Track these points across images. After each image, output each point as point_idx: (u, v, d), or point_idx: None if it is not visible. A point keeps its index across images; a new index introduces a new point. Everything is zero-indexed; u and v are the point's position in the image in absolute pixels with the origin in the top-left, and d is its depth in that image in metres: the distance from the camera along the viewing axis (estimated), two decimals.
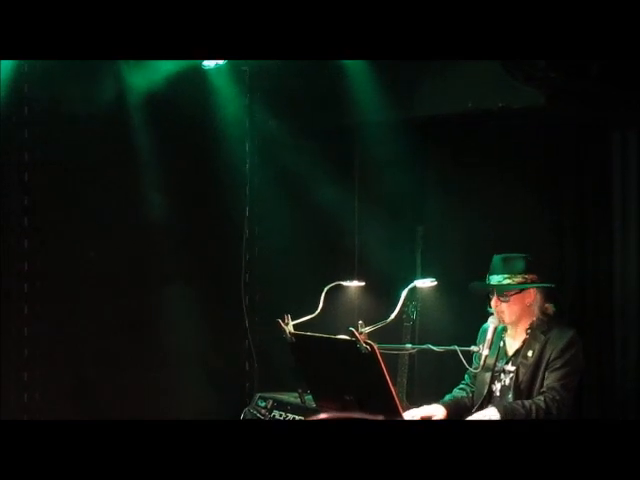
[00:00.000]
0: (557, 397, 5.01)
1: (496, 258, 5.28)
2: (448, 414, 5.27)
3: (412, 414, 5.17)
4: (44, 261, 6.17)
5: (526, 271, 5.21)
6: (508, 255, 5.27)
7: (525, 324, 5.26)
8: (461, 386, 5.52)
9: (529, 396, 5.12)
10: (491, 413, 4.96)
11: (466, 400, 5.44)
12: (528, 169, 6.46)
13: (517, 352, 5.26)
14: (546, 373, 5.11)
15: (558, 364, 5.09)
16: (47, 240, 6.18)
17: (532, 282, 5.22)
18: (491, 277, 5.25)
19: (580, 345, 5.17)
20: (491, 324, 5.26)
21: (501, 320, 5.26)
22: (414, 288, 5.55)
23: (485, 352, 5.18)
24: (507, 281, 5.20)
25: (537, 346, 5.17)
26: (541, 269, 5.33)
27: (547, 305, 5.29)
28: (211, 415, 6.39)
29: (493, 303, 5.24)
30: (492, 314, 5.30)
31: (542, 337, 5.18)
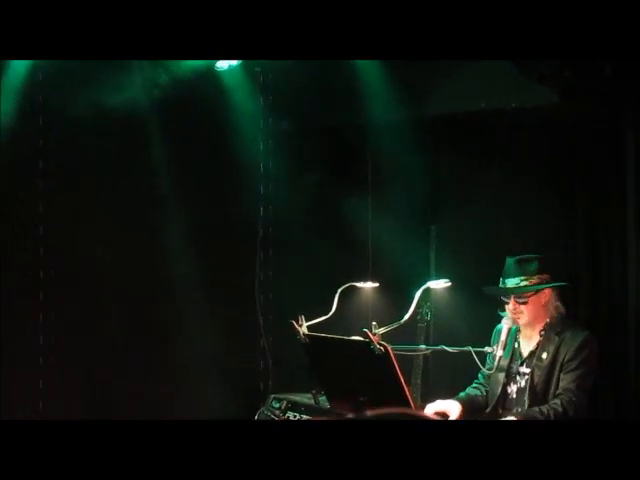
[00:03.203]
0: (573, 398, 5.00)
1: (509, 260, 5.26)
2: (463, 410, 5.26)
3: (428, 408, 5.17)
4: (58, 266, 6.18)
5: (540, 271, 5.20)
6: (521, 256, 5.26)
7: (539, 325, 5.25)
8: (475, 385, 5.51)
9: (545, 398, 5.11)
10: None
11: (480, 398, 5.44)
12: (541, 168, 6.43)
13: (532, 354, 5.24)
14: (561, 375, 5.09)
15: (573, 365, 5.07)
16: (61, 244, 6.18)
17: (547, 282, 5.21)
18: (506, 280, 5.24)
19: (594, 345, 5.15)
20: (505, 325, 5.25)
21: (517, 322, 5.24)
22: (428, 289, 5.53)
23: (499, 353, 5.17)
24: (524, 283, 5.18)
25: (551, 348, 5.16)
26: (553, 268, 5.32)
27: (557, 304, 5.28)
28: (226, 415, 6.39)
29: (510, 306, 5.22)
30: (505, 316, 5.30)
31: (556, 338, 5.17)
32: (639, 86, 5.55)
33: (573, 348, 5.10)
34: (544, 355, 5.17)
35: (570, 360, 5.08)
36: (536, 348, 5.23)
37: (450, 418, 5.20)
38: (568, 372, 5.08)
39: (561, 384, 5.08)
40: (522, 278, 5.19)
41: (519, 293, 5.19)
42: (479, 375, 5.48)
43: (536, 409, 5.01)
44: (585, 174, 6.33)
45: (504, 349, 5.22)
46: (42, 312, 6.14)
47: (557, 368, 5.11)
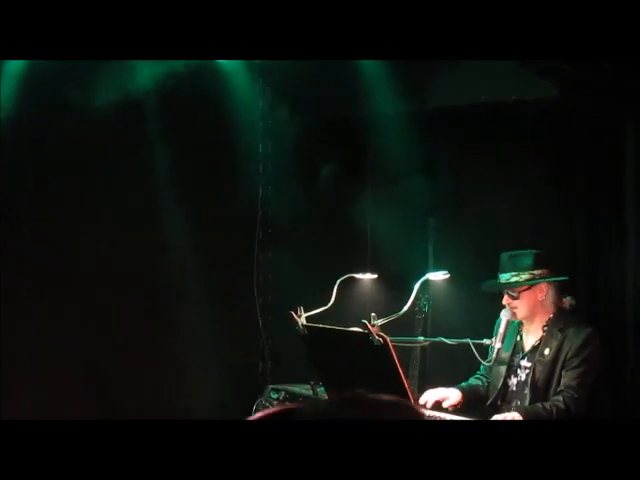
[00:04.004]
0: (575, 395, 5.01)
1: (503, 256, 5.27)
2: (464, 398, 5.27)
3: (429, 394, 5.19)
4: (56, 260, 6.18)
5: (534, 266, 5.18)
6: (515, 252, 5.26)
7: (542, 320, 5.24)
8: (477, 376, 5.52)
9: (546, 394, 5.11)
10: (514, 416, 4.92)
11: (481, 389, 5.44)
12: (541, 162, 6.44)
13: (534, 349, 5.24)
14: (563, 372, 5.10)
15: (575, 363, 5.07)
16: (58, 238, 6.17)
17: (542, 277, 5.19)
18: (500, 275, 5.25)
19: (597, 343, 5.15)
20: (503, 317, 5.25)
21: (514, 316, 5.25)
22: (427, 281, 5.54)
23: (498, 345, 5.17)
24: (514, 279, 5.18)
25: (554, 344, 5.15)
26: (553, 263, 5.31)
27: (564, 299, 5.27)
28: (224, 406, 6.40)
29: (505, 301, 5.24)
30: (505, 309, 5.31)
31: (559, 334, 5.16)
32: (638, 80, 5.55)
33: (576, 345, 5.09)
34: (546, 351, 5.17)
35: (572, 357, 5.08)
36: (538, 343, 5.23)
37: (446, 402, 5.22)
38: (570, 369, 5.08)
39: (563, 381, 5.08)
40: (513, 274, 5.20)
41: (509, 289, 5.20)
42: (480, 367, 5.49)
43: (539, 405, 5.01)
44: (584, 167, 6.34)
45: (503, 341, 5.22)
46: (41, 310, 6.13)
47: (559, 365, 5.11)
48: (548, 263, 5.25)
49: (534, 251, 5.26)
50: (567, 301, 5.27)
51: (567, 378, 5.07)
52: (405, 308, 5.18)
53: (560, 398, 5.00)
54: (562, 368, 5.10)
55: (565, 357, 5.10)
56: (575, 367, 5.07)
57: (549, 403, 5.01)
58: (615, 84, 5.57)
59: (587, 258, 6.32)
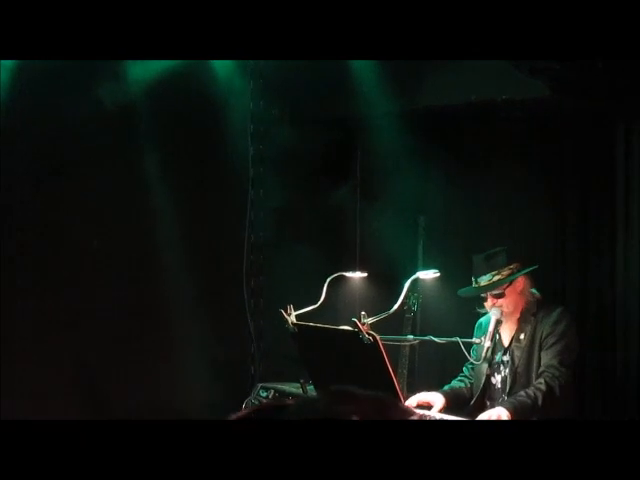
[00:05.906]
0: (556, 374, 5.00)
1: (477, 258, 5.27)
2: (447, 403, 5.26)
3: (412, 401, 5.17)
4: (45, 253, 6.17)
5: (509, 262, 5.22)
6: (488, 252, 5.27)
7: (517, 313, 5.27)
8: (459, 377, 5.52)
9: (528, 378, 5.12)
10: (499, 412, 4.87)
11: (464, 390, 5.44)
12: (531, 161, 6.46)
13: (511, 341, 5.27)
14: (542, 353, 5.12)
15: (552, 340, 5.09)
16: (55, 238, 6.16)
17: (518, 270, 5.23)
18: (478, 279, 5.24)
19: (570, 319, 5.19)
20: (493, 316, 5.24)
21: (503, 314, 5.25)
22: (417, 279, 5.54)
23: (487, 344, 5.18)
24: (497, 277, 5.20)
25: (528, 328, 5.19)
26: (522, 255, 5.37)
27: (532, 290, 5.30)
28: (214, 404, 6.39)
29: (489, 302, 5.24)
30: (483, 314, 5.32)
31: (532, 319, 5.20)
32: (630, 79, 5.56)
33: (549, 324, 5.12)
34: (522, 336, 5.20)
35: (548, 335, 5.10)
36: (515, 333, 5.26)
37: (433, 409, 5.21)
38: (548, 348, 5.09)
39: (543, 361, 5.09)
40: (493, 273, 5.20)
41: (494, 288, 5.21)
42: (464, 368, 5.50)
43: (522, 393, 4.98)
44: (575, 167, 6.35)
45: (492, 340, 5.23)
46: (37, 310, 6.12)
47: (536, 347, 5.12)
48: (518, 257, 5.30)
49: (504, 248, 5.30)
50: (535, 292, 5.30)
51: (546, 357, 5.08)
52: (395, 307, 5.17)
53: (541, 380, 5.00)
54: (540, 349, 5.11)
55: (541, 337, 5.12)
56: (552, 344, 5.09)
57: (532, 389, 4.98)
58: (606, 84, 5.57)
59: (577, 258, 6.33)
